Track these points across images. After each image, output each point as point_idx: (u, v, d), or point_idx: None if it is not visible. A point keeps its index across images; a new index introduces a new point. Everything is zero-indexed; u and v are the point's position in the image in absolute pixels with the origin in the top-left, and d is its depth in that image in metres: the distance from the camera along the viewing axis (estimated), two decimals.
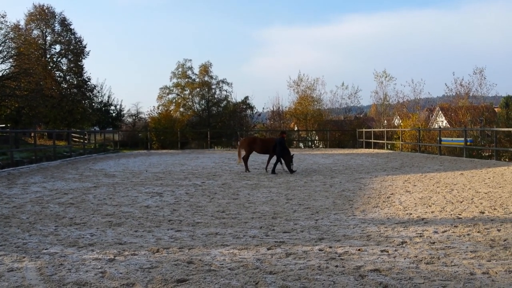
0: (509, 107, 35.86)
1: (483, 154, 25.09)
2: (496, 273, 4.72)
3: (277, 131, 39.04)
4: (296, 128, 41.24)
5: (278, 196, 10.51)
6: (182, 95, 45.41)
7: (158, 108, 44.29)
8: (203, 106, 45.52)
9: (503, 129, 24.01)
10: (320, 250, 5.72)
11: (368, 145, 33.52)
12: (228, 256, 5.43)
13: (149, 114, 44.96)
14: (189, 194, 10.78)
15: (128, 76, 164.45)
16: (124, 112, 49.93)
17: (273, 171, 15.30)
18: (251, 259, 5.29)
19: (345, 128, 39.35)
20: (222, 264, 5.11)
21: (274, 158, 15.95)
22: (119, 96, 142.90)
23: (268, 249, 5.78)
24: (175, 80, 45.34)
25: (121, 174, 15.52)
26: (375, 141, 32.79)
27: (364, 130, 34.86)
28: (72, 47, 39.87)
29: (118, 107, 48.60)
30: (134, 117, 50.96)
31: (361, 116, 48.47)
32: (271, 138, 20.05)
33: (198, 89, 44.72)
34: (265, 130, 41.10)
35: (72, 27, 40.27)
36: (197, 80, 45.03)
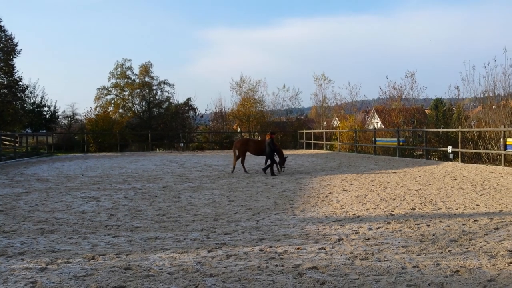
0: (438, 109, 37.94)
1: (414, 154, 26.38)
2: (425, 266, 5.00)
3: (219, 132, 38.96)
4: (239, 130, 41.37)
5: (220, 197, 10.49)
6: (122, 96, 44.03)
7: (96, 109, 42.57)
8: (143, 108, 44.38)
9: (432, 129, 25.39)
10: (260, 250, 5.77)
11: (309, 146, 34.36)
12: (167, 261, 5.34)
13: (85, 115, 43.10)
14: (128, 198, 10.49)
15: (63, 77, 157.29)
16: (59, 113, 47.62)
17: (272, 173, 15.37)
18: (191, 263, 5.24)
19: (287, 129, 40.02)
20: (161, 269, 5.02)
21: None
22: (53, 97, 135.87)
23: (209, 251, 5.75)
24: (113, 81, 43.85)
25: (55, 179, 14.80)
26: (315, 141, 33.66)
27: (304, 131, 35.68)
28: (2, 45, 37.36)
29: (52, 108, 46.26)
30: (69, 119, 48.69)
31: (302, 117, 49.50)
32: (265, 139, 19.98)
33: (138, 90, 43.54)
34: (208, 131, 40.83)
35: (2, 23, 37.76)
36: (137, 80, 43.85)
